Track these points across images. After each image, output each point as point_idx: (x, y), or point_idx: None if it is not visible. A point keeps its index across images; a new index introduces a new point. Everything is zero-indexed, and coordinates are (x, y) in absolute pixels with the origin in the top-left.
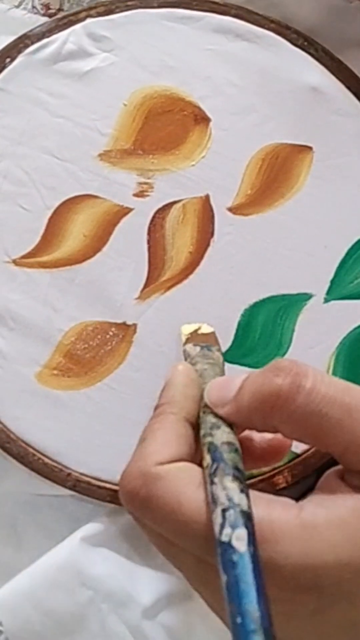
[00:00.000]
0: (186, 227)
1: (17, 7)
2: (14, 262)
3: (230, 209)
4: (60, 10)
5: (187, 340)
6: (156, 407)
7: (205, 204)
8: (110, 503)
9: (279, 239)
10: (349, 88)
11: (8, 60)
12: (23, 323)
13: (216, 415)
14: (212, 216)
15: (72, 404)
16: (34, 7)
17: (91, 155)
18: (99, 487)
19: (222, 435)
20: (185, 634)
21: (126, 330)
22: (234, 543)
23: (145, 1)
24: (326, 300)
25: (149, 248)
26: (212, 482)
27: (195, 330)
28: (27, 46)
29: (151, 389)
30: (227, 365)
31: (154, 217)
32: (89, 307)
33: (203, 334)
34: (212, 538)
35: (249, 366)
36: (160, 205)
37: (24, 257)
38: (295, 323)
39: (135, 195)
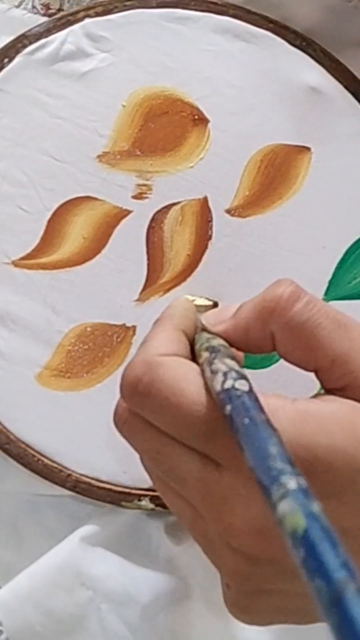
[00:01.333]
0: (185, 229)
1: (17, 7)
2: (14, 263)
3: (228, 211)
4: (60, 10)
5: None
6: (155, 321)
7: (204, 205)
8: (110, 503)
9: (277, 240)
10: (347, 88)
11: (6, 60)
12: (23, 324)
13: (211, 333)
14: (211, 218)
15: (72, 405)
16: (34, 7)
17: (90, 157)
18: (99, 487)
19: (218, 341)
20: (185, 634)
21: (125, 332)
22: (237, 385)
23: (143, 1)
24: (325, 301)
25: (148, 250)
26: (212, 363)
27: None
28: (25, 46)
29: None
30: None
31: (152, 219)
32: (88, 308)
33: (202, 306)
34: (215, 422)
35: (247, 367)
36: (158, 207)
37: (23, 258)
38: None
39: (134, 197)
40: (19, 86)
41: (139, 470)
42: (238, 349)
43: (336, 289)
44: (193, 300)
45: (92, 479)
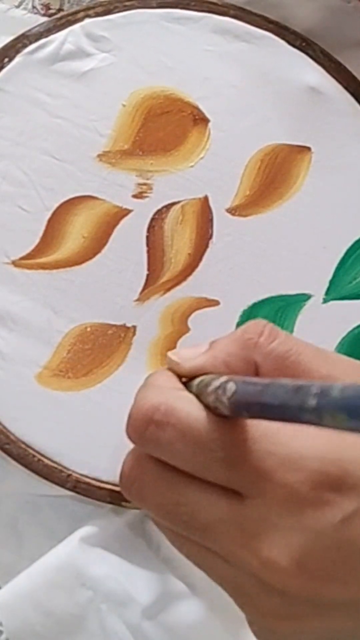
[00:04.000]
0: (185, 229)
1: (17, 7)
2: (14, 263)
3: (229, 210)
4: (60, 10)
5: None
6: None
7: (204, 205)
8: (110, 503)
9: (277, 239)
10: (347, 89)
11: (6, 60)
12: (23, 324)
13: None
14: (211, 217)
15: (72, 405)
16: (34, 7)
17: (90, 156)
18: (100, 487)
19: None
20: (186, 634)
21: (126, 332)
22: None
23: (143, 1)
24: (325, 301)
25: (148, 250)
26: (208, 385)
27: None
28: (25, 46)
29: None
30: None
31: (152, 218)
32: (88, 308)
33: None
34: (235, 448)
35: None
36: (159, 206)
37: (23, 258)
38: (294, 324)
39: (134, 196)
40: (19, 86)
41: None
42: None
43: (336, 289)
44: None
45: (93, 479)
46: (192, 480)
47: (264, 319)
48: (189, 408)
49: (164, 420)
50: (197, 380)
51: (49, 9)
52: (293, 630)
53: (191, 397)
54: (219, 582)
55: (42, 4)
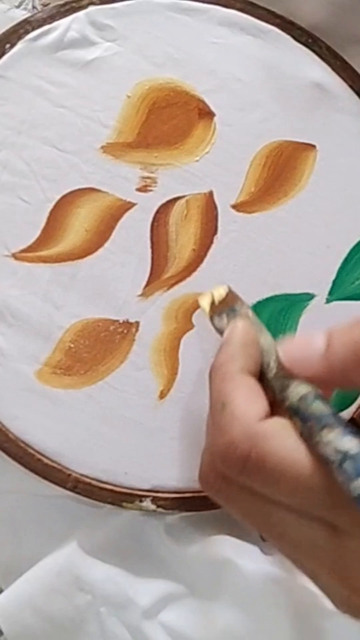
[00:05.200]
0: (190, 224)
1: (17, 7)
2: (14, 256)
3: (234, 206)
4: None
5: (211, 316)
6: (215, 366)
7: (209, 200)
8: (110, 504)
9: (281, 237)
10: (352, 87)
11: (8, 46)
12: (23, 319)
13: (286, 374)
14: (216, 213)
15: (73, 403)
16: (34, 7)
17: (93, 148)
18: (100, 488)
19: (300, 390)
20: (186, 634)
21: (128, 328)
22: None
23: None
24: (328, 301)
25: (152, 244)
26: (322, 436)
27: (213, 301)
28: (27, 32)
29: (152, 388)
30: None
31: (157, 212)
32: (90, 303)
33: (221, 301)
34: (337, 491)
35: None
36: (163, 200)
37: (24, 251)
38: (298, 323)
39: (139, 189)
40: (21, 73)
41: (140, 470)
42: (327, 387)
43: (339, 289)
44: (212, 299)
45: (93, 479)
46: (285, 509)
47: None
48: (282, 452)
49: (257, 468)
50: (295, 394)
51: None
52: None
53: (281, 434)
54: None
55: (42, 4)
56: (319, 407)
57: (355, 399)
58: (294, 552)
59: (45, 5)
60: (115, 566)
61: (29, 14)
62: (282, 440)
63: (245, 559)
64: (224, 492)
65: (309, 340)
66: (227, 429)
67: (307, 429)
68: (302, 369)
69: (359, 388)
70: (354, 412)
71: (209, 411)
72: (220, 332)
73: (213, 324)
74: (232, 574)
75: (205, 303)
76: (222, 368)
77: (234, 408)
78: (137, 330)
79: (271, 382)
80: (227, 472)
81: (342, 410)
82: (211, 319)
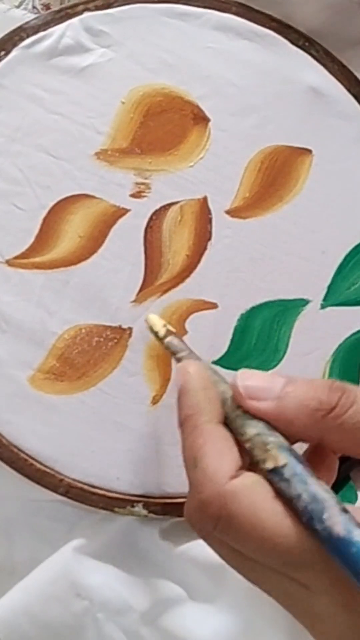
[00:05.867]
0: (183, 230)
1: (17, 7)
2: (8, 262)
3: (228, 212)
4: None
5: (167, 333)
6: (182, 419)
7: (203, 206)
8: (103, 509)
9: (276, 243)
10: (349, 91)
11: (2, 53)
12: (16, 325)
13: (242, 410)
14: (210, 219)
15: (65, 408)
16: (34, 7)
17: (87, 154)
18: (92, 493)
19: (254, 428)
20: (184, 638)
21: (121, 334)
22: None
23: None
24: (323, 307)
25: (146, 250)
26: (290, 484)
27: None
28: (22, 39)
29: (145, 394)
30: (223, 370)
31: (150, 218)
32: (83, 309)
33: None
34: (304, 552)
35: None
36: (157, 206)
37: (17, 257)
38: (292, 329)
39: (132, 195)
40: (16, 80)
41: (132, 476)
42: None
43: (334, 295)
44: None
45: (85, 484)
46: (258, 563)
47: (336, 380)
48: (248, 512)
49: (226, 528)
50: (252, 432)
51: (49, 9)
52: None
53: (250, 490)
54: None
55: (42, 4)
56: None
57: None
58: (278, 601)
59: (45, 5)
60: (112, 571)
61: (28, 15)
62: (248, 500)
63: None
64: (209, 541)
65: (270, 377)
66: (200, 488)
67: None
68: (253, 401)
69: (303, 441)
70: None
71: (184, 463)
72: (172, 350)
73: (168, 342)
74: (229, 577)
75: (154, 320)
76: (190, 421)
77: (205, 467)
78: (130, 336)
79: (230, 420)
80: (201, 528)
81: None
82: (165, 335)
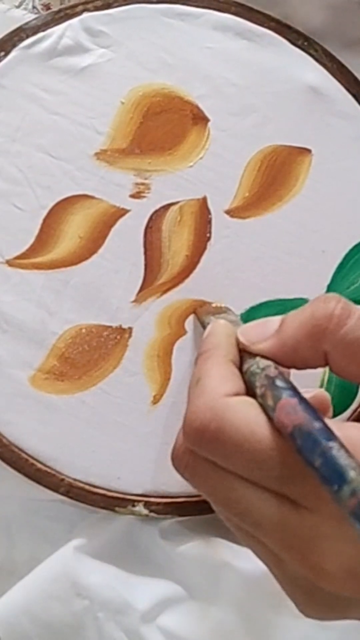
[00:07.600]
0: (183, 230)
1: (17, 7)
2: (8, 262)
3: (227, 212)
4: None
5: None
6: (200, 353)
7: (203, 206)
8: (103, 509)
9: (276, 242)
10: (349, 90)
11: (2, 54)
12: (16, 325)
13: (250, 354)
14: (210, 219)
15: (66, 408)
16: (34, 7)
17: (87, 154)
18: (92, 492)
19: (268, 366)
20: (184, 637)
21: (122, 334)
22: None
23: None
24: None
25: (146, 251)
26: (276, 399)
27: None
28: (22, 40)
29: (145, 394)
30: None
31: (150, 218)
32: (84, 310)
33: (215, 307)
34: (294, 465)
35: None
36: (157, 206)
37: (17, 257)
38: None
39: (132, 196)
40: (15, 81)
41: (133, 475)
42: (282, 365)
43: None
44: (220, 308)
45: (86, 484)
46: (246, 483)
47: (335, 295)
48: (241, 423)
49: (215, 438)
50: (251, 364)
51: (49, 9)
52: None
53: (243, 407)
54: (275, 575)
55: (42, 4)
56: (280, 377)
57: (355, 395)
58: (255, 530)
59: (45, 5)
60: (112, 571)
61: (28, 15)
62: (243, 412)
63: (242, 561)
64: (190, 467)
65: (265, 322)
66: (193, 401)
67: (272, 399)
68: (256, 345)
69: (311, 366)
70: (355, 410)
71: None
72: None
73: (209, 321)
74: (229, 577)
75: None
76: (206, 353)
77: (206, 383)
78: (130, 336)
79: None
80: (188, 443)
81: (343, 409)
82: (203, 321)
